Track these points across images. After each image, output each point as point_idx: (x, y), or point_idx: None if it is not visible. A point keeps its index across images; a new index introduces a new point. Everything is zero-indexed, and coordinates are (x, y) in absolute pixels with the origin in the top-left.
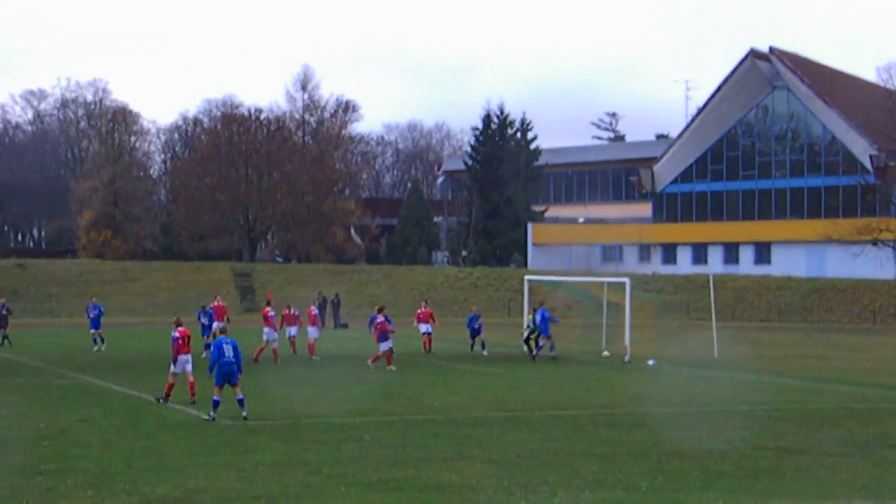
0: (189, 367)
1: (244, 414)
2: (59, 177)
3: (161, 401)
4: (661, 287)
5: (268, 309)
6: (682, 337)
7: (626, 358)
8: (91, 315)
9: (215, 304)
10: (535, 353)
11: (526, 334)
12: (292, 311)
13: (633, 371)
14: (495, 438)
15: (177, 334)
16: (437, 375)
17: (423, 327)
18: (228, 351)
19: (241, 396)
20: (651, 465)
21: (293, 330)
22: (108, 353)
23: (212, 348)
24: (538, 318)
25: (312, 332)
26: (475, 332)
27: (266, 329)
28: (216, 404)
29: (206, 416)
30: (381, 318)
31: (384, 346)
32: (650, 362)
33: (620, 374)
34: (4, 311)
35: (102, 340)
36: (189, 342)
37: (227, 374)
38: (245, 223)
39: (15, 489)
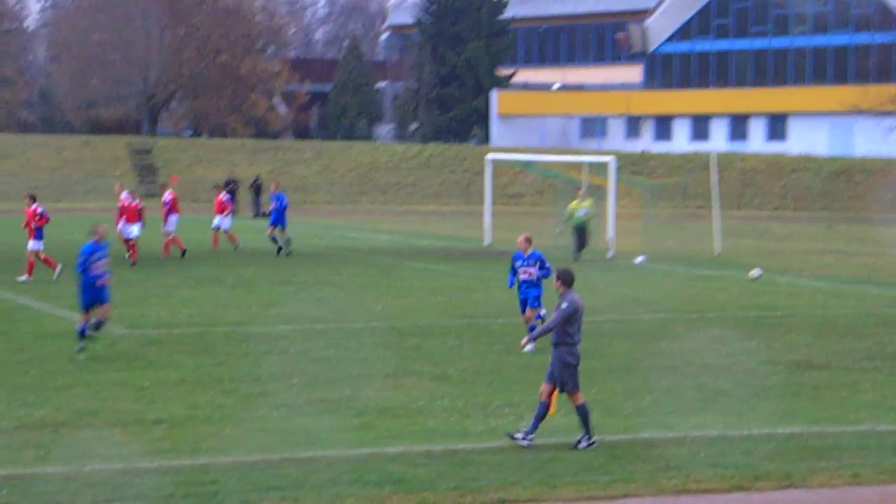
0: None
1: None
2: None
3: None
4: (653, 168)
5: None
6: (678, 229)
7: (610, 254)
8: None
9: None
10: None
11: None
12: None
13: (618, 270)
14: (449, 351)
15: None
16: (378, 275)
17: (219, 221)
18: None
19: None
20: (638, 383)
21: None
22: None
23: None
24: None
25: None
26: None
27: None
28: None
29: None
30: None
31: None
32: (638, 259)
33: (602, 273)
34: None
35: None
36: None
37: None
38: (144, 88)
39: None
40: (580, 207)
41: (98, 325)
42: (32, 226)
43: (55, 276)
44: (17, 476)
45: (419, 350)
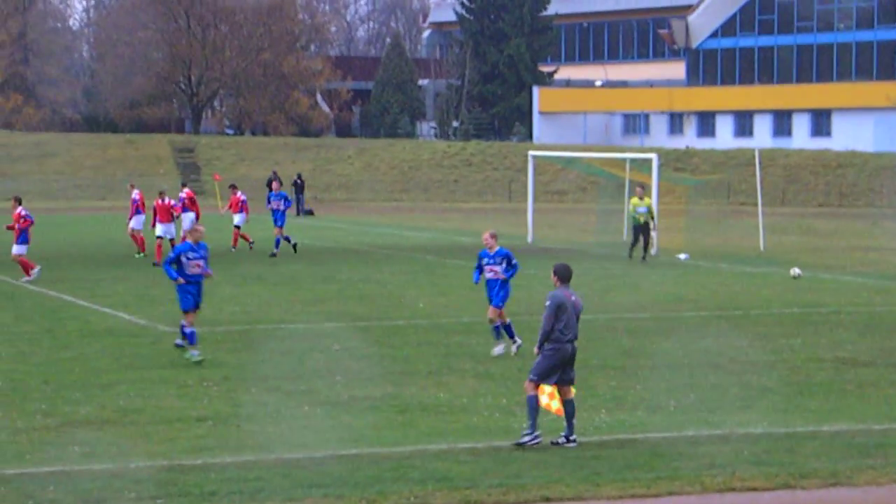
0: None
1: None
2: None
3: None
4: (696, 165)
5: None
6: (721, 225)
7: (653, 251)
8: None
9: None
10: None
11: None
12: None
13: (661, 267)
14: (492, 348)
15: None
16: (420, 272)
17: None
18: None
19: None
20: (682, 381)
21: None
22: None
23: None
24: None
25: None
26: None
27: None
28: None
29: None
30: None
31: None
32: (682, 256)
33: (645, 270)
34: None
35: None
36: None
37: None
38: (187, 87)
39: None
40: (640, 205)
41: (186, 335)
42: (17, 227)
43: (33, 277)
44: (63, 473)
45: (462, 347)
